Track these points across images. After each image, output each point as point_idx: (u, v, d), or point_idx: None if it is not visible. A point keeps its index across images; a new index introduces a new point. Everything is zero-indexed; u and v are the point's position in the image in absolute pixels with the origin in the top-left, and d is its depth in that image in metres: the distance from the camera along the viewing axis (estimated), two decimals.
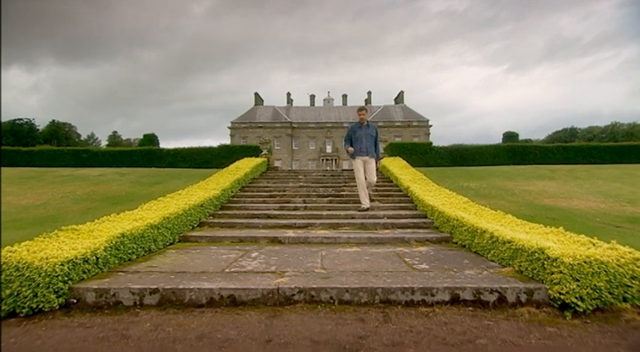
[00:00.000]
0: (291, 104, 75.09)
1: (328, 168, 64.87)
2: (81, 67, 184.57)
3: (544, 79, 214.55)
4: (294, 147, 68.77)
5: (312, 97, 76.36)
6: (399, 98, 71.69)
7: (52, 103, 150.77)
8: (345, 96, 75.89)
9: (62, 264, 3.27)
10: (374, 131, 7.87)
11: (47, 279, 3.14)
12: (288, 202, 8.47)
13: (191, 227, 6.29)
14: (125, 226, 4.53)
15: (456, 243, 5.50)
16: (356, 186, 8.50)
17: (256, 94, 72.62)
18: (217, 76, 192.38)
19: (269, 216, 7.27)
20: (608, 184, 11.07)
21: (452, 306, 3.26)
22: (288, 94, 75.32)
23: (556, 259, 3.18)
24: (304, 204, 8.23)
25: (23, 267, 3.15)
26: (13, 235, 6.09)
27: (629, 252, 3.22)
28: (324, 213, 7.38)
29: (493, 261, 4.32)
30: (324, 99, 77.86)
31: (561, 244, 3.68)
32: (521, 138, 79.93)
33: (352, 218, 7.06)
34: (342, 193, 9.16)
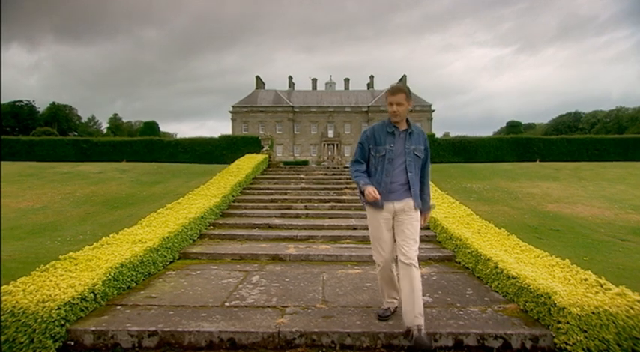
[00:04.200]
0: (293, 88, 74.43)
1: (330, 152, 64.68)
2: (81, 46, 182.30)
3: (555, 60, 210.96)
4: (295, 132, 68.48)
5: (314, 81, 75.65)
6: (402, 82, 70.86)
7: (52, 83, 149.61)
8: (347, 80, 75.18)
9: (59, 308, 3.20)
10: (421, 142, 3.46)
11: (44, 325, 3.08)
12: (290, 208, 8.40)
13: (191, 240, 6.23)
14: (124, 253, 4.46)
15: (459, 263, 5.44)
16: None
17: (257, 78, 71.94)
18: (221, 55, 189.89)
19: (270, 226, 7.20)
20: (613, 186, 10.96)
21: None
22: (290, 78, 74.60)
23: (563, 308, 3.10)
24: (306, 211, 8.16)
25: (19, 313, 3.09)
26: (12, 248, 6.04)
27: (639, 301, 3.13)
28: (326, 223, 7.31)
29: (497, 291, 4.26)
30: (326, 83, 77.14)
31: (568, 283, 3.60)
32: (525, 122, 79.46)
33: (354, 229, 6.99)
34: (344, 198, 9.07)
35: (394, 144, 3.36)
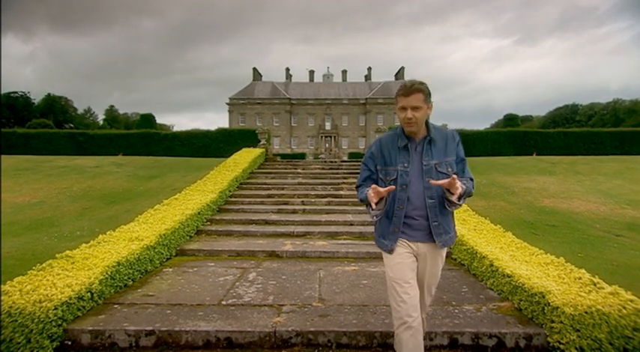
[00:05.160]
0: (290, 80, 74.04)
1: (327, 145, 64.55)
2: (77, 36, 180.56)
3: (554, 51, 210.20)
4: (292, 124, 68.27)
5: (312, 73, 75.23)
6: (400, 74, 70.64)
7: (47, 74, 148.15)
8: (344, 72, 74.80)
9: (56, 308, 3.21)
10: (450, 152, 2.51)
11: (41, 325, 3.09)
12: (287, 203, 8.41)
13: (188, 237, 6.24)
14: (121, 251, 4.46)
15: (455, 259, 5.47)
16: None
17: (255, 69, 71.51)
18: (218, 46, 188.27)
19: (267, 222, 7.21)
20: (609, 181, 11.01)
21: (450, 351, 3.25)
22: (287, 70, 74.17)
23: (557, 308, 3.13)
24: (303, 206, 8.18)
25: (16, 313, 3.09)
26: (9, 244, 6.04)
27: (631, 301, 3.16)
28: (323, 218, 7.33)
29: (492, 289, 4.29)
30: (324, 75, 76.75)
31: (562, 282, 3.62)
32: (522, 114, 79.55)
33: (351, 225, 7.01)
34: (341, 193, 9.08)
35: (409, 163, 2.45)
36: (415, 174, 2.44)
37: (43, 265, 3.98)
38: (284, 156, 24.34)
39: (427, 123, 2.48)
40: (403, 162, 2.45)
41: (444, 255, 2.66)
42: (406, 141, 2.46)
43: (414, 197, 2.44)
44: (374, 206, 2.36)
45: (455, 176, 2.30)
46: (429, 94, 2.39)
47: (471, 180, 2.56)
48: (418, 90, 2.33)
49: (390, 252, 2.50)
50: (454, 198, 2.34)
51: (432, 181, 2.35)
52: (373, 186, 2.34)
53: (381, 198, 2.38)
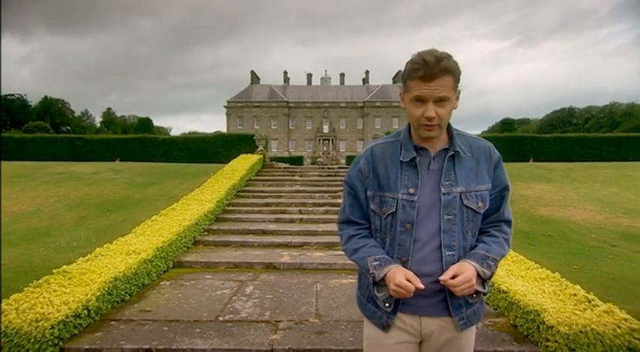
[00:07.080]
0: (288, 83, 74.18)
1: (325, 148, 64.66)
2: (74, 37, 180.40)
3: (554, 53, 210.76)
4: (290, 127, 68.35)
5: (309, 76, 75.43)
6: (398, 77, 70.82)
7: (44, 76, 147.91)
8: (342, 75, 75.04)
9: (52, 327, 3.20)
10: (484, 175, 1.54)
11: (37, 346, 3.09)
12: (284, 212, 8.43)
13: (186, 248, 6.24)
14: (118, 265, 4.46)
15: None
16: None
17: (252, 72, 71.63)
18: (216, 47, 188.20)
19: (264, 232, 7.22)
20: (605, 188, 11.08)
21: None
22: (285, 73, 74.31)
23: (552, 327, 3.15)
24: (300, 215, 8.20)
25: (12, 333, 3.09)
26: (6, 256, 6.03)
27: (625, 320, 3.19)
28: (320, 228, 7.35)
29: (488, 304, 4.31)
30: (322, 78, 76.92)
31: (557, 299, 3.65)
32: (519, 117, 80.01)
33: None
34: (338, 201, 9.09)
35: (417, 188, 1.51)
36: (427, 206, 1.50)
37: (40, 281, 3.97)
38: (282, 159, 24.35)
39: (450, 129, 1.57)
40: (408, 186, 1.51)
41: (470, 342, 1.63)
42: (414, 154, 1.52)
43: (423, 243, 1.50)
44: (398, 294, 1.41)
45: (467, 272, 1.39)
46: (460, 76, 1.49)
47: (507, 224, 1.64)
48: (447, 70, 1.42)
49: (385, 328, 1.59)
50: (477, 285, 1.45)
51: (442, 279, 1.40)
52: (404, 276, 1.40)
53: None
